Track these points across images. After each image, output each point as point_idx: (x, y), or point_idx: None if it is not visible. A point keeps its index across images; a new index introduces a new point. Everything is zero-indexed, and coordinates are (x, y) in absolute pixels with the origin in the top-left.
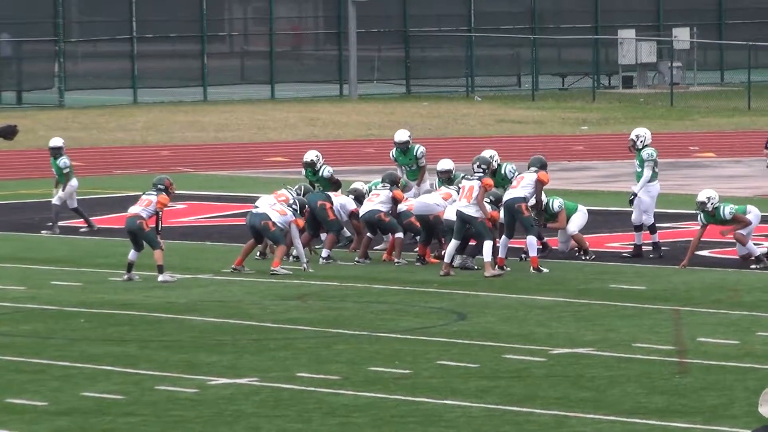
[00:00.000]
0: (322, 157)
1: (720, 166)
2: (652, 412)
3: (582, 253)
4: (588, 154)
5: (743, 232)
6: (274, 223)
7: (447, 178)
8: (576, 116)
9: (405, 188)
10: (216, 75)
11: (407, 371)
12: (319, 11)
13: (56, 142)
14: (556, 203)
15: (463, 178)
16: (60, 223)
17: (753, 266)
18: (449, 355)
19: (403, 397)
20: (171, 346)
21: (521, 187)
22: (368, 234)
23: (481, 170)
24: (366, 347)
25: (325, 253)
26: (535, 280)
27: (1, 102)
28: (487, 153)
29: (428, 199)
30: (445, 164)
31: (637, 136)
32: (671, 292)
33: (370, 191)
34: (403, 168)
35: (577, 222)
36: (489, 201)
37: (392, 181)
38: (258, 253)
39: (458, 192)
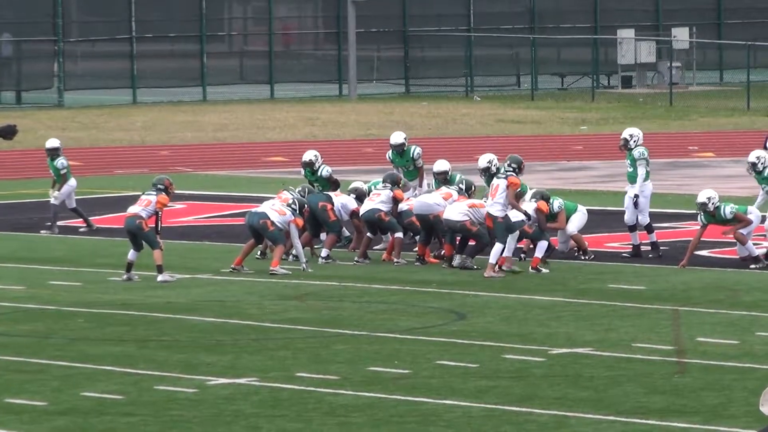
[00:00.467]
0: (321, 157)
1: (719, 166)
2: (652, 411)
3: (581, 253)
4: (587, 154)
5: (743, 231)
6: (272, 223)
7: (443, 179)
8: (575, 116)
9: (404, 188)
10: (215, 75)
11: (406, 371)
12: (319, 11)
13: (53, 143)
14: (556, 203)
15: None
16: (59, 223)
17: (752, 266)
18: (449, 355)
19: (402, 397)
20: (170, 346)
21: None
22: (368, 234)
23: (511, 169)
24: (365, 347)
25: (324, 253)
26: (534, 280)
27: (1, 102)
28: (486, 157)
29: (428, 198)
30: (441, 165)
31: (631, 136)
32: (670, 291)
33: (370, 191)
34: (400, 169)
35: (576, 222)
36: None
37: (393, 182)
38: (258, 253)
39: (459, 192)
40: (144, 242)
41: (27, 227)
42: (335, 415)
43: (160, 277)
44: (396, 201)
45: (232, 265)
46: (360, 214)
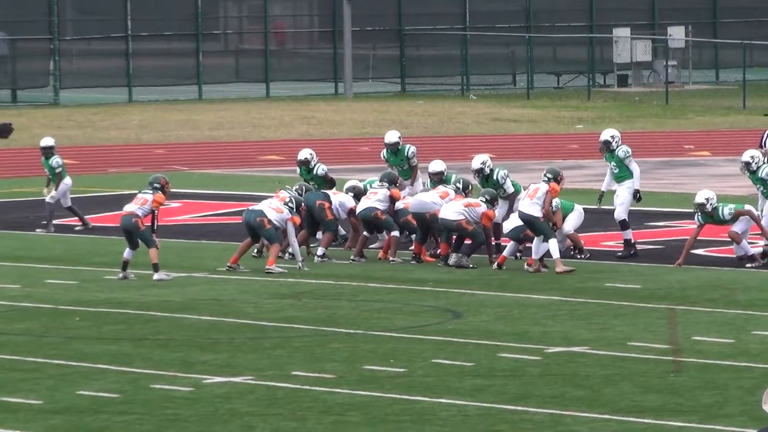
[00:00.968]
0: (317, 156)
1: (715, 165)
2: (647, 410)
3: (577, 251)
4: (583, 152)
5: (738, 230)
6: (269, 221)
7: (439, 180)
8: (571, 115)
9: (400, 187)
10: (211, 73)
11: (402, 370)
12: (314, 9)
13: (47, 141)
14: (554, 202)
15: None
16: (55, 222)
17: (748, 265)
18: (444, 353)
19: (398, 396)
20: (166, 345)
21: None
22: (364, 233)
23: (546, 179)
24: (361, 346)
25: (320, 251)
26: (530, 278)
27: None
28: (480, 158)
29: (425, 197)
30: (437, 166)
31: (613, 137)
32: (666, 290)
33: (366, 190)
34: (395, 168)
35: (573, 221)
36: (485, 200)
37: (391, 181)
38: (255, 251)
39: (456, 191)
40: (140, 241)
41: (23, 226)
42: (331, 413)
43: (156, 276)
44: (393, 200)
45: (228, 264)
46: (356, 213)
